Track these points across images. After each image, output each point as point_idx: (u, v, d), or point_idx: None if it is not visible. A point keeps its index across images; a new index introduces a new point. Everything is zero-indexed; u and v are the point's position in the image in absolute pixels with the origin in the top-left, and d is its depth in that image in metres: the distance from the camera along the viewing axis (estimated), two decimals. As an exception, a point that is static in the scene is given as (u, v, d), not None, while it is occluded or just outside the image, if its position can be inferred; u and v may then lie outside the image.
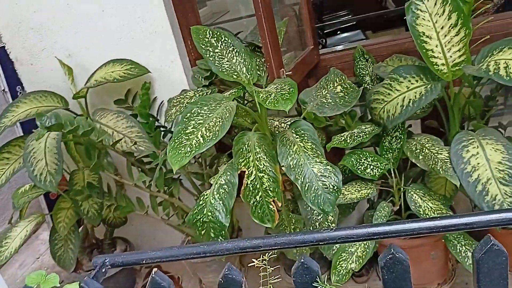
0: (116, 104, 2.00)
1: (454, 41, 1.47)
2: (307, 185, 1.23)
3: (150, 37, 1.89)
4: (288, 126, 1.40)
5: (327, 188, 1.23)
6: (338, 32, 3.99)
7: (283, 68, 1.47)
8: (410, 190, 1.54)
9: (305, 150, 1.28)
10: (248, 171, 1.32)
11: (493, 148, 1.37)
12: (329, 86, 1.56)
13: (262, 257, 0.77)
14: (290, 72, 1.49)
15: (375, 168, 1.58)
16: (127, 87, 1.98)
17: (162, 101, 1.97)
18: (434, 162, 1.43)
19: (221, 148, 1.92)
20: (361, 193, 1.59)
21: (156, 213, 1.85)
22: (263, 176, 1.30)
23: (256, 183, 1.31)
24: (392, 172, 1.62)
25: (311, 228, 1.49)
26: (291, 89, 1.23)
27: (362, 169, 1.57)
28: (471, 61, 1.47)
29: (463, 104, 1.58)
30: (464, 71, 1.41)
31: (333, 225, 1.52)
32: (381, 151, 1.64)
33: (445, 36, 1.47)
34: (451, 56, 1.48)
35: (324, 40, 3.61)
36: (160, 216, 1.90)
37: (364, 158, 1.59)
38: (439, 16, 1.47)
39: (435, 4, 1.47)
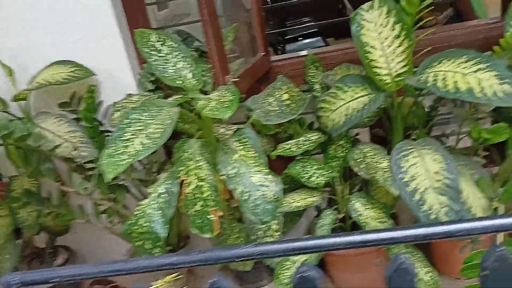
0: (61, 108, 1.92)
1: (398, 52, 1.50)
2: (246, 194, 1.22)
3: (97, 39, 1.83)
4: (232, 134, 1.38)
5: (266, 198, 1.21)
6: (300, 38, 4.02)
7: (229, 75, 1.45)
8: (352, 198, 1.55)
9: (247, 159, 1.26)
10: (188, 180, 1.29)
11: (432, 157, 1.40)
12: (275, 94, 1.55)
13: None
14: (237, 79, 1.47)
15: (320, 176, 1.59)
16: (73, 90, 1.91)
17: (108, 105, 1.90)
18: (375, 171, 1.45)
19: (170, 154, 1.88)
20: (306, 201, 1.59)
21: (98, 221, 1.79)
22: (203, 185, 1.27)
23: (196, 192, 1.28)
24: (338, 180, 1.63)
25: (254, 237, 1.47)
26: (232, 97, 1.21)
27: (307, 177, 1.57)
28: (414, 72, 1.50)
29: (406, 114, 1.61)
30: (405, 82, 1.43)
31: (277, 233, 1.51)
32: (326, 160, 1.65)
33: (389, 46, 1.50)
34: (394, 67, 1.51)
35: (283, 46, 3.64)
36: (106, 224, 1.83)
37: (309, 166, 1.59)
38: (383, 27, 1.49)
39: (380, 15, 1.49)
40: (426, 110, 1.71)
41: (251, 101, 1.52)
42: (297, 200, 1.59)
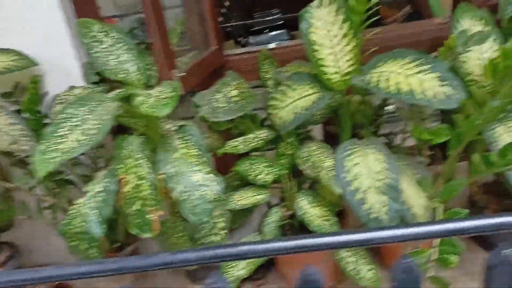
0: (3, 98, 1.83)
1: (346, 51, 1.50)
2: (185, 194, 1.19)
3: (42, 28, 1.75)
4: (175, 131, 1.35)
5: (206, 197, 1.19)
6: (266, 31, 3.99)
7: (174, 69, 1.41)
8: (299, 196, 1.56)
9: (188, 157, 1.24)
10: (127, 178, 1.25)
11: (375, 157, 1.41)
12: (224, 90, 1.52)
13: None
14: (183, 74, 1.43)
15: (268, 174, 1.58)
16: (17, 80, 1.82)
17: (54, 96, 1.83)
18: (319, 169, 1.46)
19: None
20: (254, 199, 1.58)
21: (41, 217, 1.72)
22: (142, 183, 1.24)
23: (135, 191, 1.24)
24: (288, 178, 1.63)
25: (198, 236, 1.45)
26: (172, 93, 1.17)
27: (254, 175, 1.56)
28: (361, 71, 1.50)
29: (354, 112, 1.62)
30: (352, 81, 1.44)
31: (223, 232, 1.50)
32: (276, 157, 1.64)
33: (337, 45, 1.49)
34: (342, 66, 1.51)
35: (246, 38, 3.60)
36: (50, 220, 1.77)
37: (257, 164, 1.58)
38: (332, 25, 1.48)
39: (329, 13, 1.48)
40: (375, 108, 1.73)
41: (198, 97, 1.49)
42: (244, 198, 1.58)
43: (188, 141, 1.28)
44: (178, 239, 1.46)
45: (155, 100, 1.14)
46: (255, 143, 1.50)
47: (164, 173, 1.21)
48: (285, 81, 1.57)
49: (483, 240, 1.94)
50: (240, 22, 3.56)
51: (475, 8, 1.67)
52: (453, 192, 1.34)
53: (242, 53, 1.95)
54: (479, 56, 1.56)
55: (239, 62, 1.90)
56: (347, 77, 1.49)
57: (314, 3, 1.50)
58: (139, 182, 1.25)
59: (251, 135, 1.55)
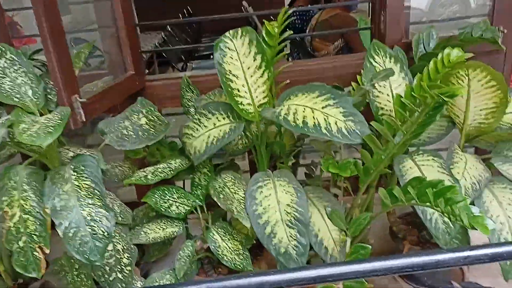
0: None
1: (260, 83, 1.49)
2: (72, 230, 1.10)
3: None
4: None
5: (96, 234, 1.11)
6: (212, 56, 4.00)
7: (76, 94, 1.33)
8: (212, 229, 1.50)
9: (79, 190, 1.15)
10: (12, 212, 1.14)
11: (284, 190, 1.39)
12: (132, 117, 1.46)
13: None
14: (86, 100, 1.35)
15: (181, 205, 1.52)
16: None
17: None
18: (231, 201, 1.41)
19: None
20: (166, 231, 1.51)
21: None
22: (28, 218, 1.14)
23: (20, 227, 1.13)
24: (203, 209, 1.57)
25: (99, 273, 1.35)
26: (59, 121, 1.09)
27: (166, 206, 1.49)
28: (276, 103, 1.50)
29: (271, 143, 1.61)
30: (262, 114, 1.42)
31: (128, 268, 1.40)
32: (192, 188, 1.59)
33: (251, 76, 1.49)
34: (257, 97, 1.50)
35: (185, 64, 3.56)
36: None
37: (170, 194, 1.52)
38: (246, 57, 1.48)
39: (243, 44, 1.48)
40: (294, 139, 1.73)
41: (104, 123, 1.41)
42: (155, 231, 1.50)
43: (82, 172, 1.19)
44: (74, 277, 1.34)
45: (39, 128, 1.06)
46: (164, 174, 1.44)
47: (48, 207, 1.12)
48: (200, 110, 1.53)
49: (411, 275, 1.96)
50: (189, 46, 3.52)
51: (387, 46, 1.74)
52: (359, 226, 1.34)
53: (163, 79, 1.90)
54: (389, 93, 1.61)
55: (159, 88, 1.85)
56: (261, 109, 1.48)
57: (228, 34, 1.49)
58: (25, 216, 1.14)
59: (161, 165, 1.49)
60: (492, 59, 1.94)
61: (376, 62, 1.65)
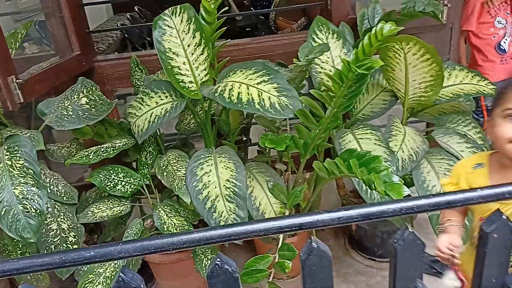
0: None
1: (201, 60, 1.50)
2: (4, 209, 1.12)
3: None
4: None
5: (29, 212, 1.13)
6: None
7: (12, 75, 1.33)
8: (158, 207, 1.53)
9: (12, 170, 1.16)
10: None
11: (225, 166, 1.42)
12: (73, 97, 1.46)
13: None
14: (22, 81, 1.35)
15: (127, 184, 1.54)
16: None
17: None
18: (173, 179, 1.44)
19: None
20: (113, 210, 1.53)
21: None
22: (-39, 198, 1.15)
23: (-48, 207, 1.14)
24: (151, 188, 1.60)
25: (45, 251, 1.38)
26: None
27: (112, 186, 1.52)
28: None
29: (216, 121, 1.63)
30: (200, 91, 1.44)
31: (75, 246, 1.43)
32: (139, 167, 1.61)
33: (192, 54, 1.50)
34: (199, 75, 1.51)
35: (149, 46, 3.51)
36: None
37: (115, 174, 1.54)
38: (186, 34, 1.48)
39: (182, 21, 1.48)
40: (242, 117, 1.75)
41: (44, 104, 1.42)
42: (102, 210, 1.53)
43: (15, 152, 1.20)
44: (19, 256, 1.37)
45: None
46: (107, 153, 1.45)
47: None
48: (143, 89, 1.54)
49: (360, 245, 2.02)
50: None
51: (334, 22, 1.76)
52: (295, 198, 1.38)
53: (113, 59, 1.90)
54: (331, 68, 1.64)
55: (108, 68, 1.84)
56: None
57: (168, 11, 1.49)
58: (-42, 197, 1.15)
59: (106, 145, 1.50)
60: (439, 34, 1.98)
61: (318, 38, 1.67)
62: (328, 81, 1.55)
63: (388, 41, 1.41)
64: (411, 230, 0.59)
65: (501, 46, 2.20)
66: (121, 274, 0.57)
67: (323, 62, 1.65)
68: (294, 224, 0.66)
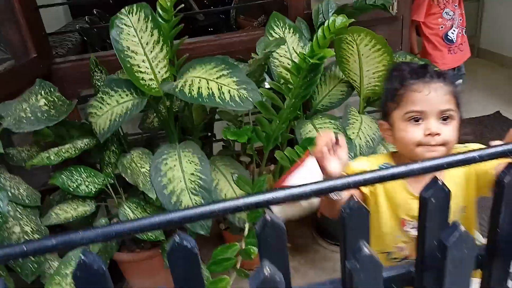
0: None
1: (160, 57, 1.52)
2: (-38, 213, 1.10)
3: None
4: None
5: (-11, 214, 1.11)
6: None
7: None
8: (123, 204, 1.53)
9: (-31, 173, 1.14)
10: None
11: (189, 160, 1.45)
12: (31, 100, 1.45)
13: None
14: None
15: (90, 184, 1.53)
16: None
17: None
18: (137, 176, 1.45)
19: None
20: (78, 211, 1.52)
21: None
22: None
23: None
24: (114, 187, 1.59)
25: None
26: None
27: (75, 186, 1.51)
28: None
29: (180, 117, 1.65)
30: (161, 88, 1.46)
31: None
32: (103, 166, 1.61)
33: (151, 52, 1.51)
34: (159, 72, 1.52)
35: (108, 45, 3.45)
36: None
37: (78, 174, 1.53)
38: (143, 32, 1.50)
39: (139, 20, 1.49)
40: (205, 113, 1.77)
41: (1, 107, 1.39)
42: (66, 211, 1.51)
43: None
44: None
45: None
46: (68, 154, 1.44)
47: None
48: (103, 88, 1.54)
49: (326, 232, 2.08)
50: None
51: (291, 17, 1.81)
52: (260, 187, 1.42)
53: (73, 61, 1.88)
54: (289, 62, 1.69)
55: (67, 70, 1.82)
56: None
57: (124, 10, 1.50)
58: None
59: (67, 145, 1.49)
60: (391, 26, 2.08)
61: (275, 33, 1.72)
62: (286, 74, 1.60)
63: (341, 33, 1.47)
64: (357, 200, 0.64)
65: (448, 37, 2.33)
66: (81, 256, 0.58)
67: (281, 56, 1.70)
68: (250, 203, 0.69)
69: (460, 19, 2.37)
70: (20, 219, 1.39)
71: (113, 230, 0.68)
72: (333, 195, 0.85)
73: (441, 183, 0.66)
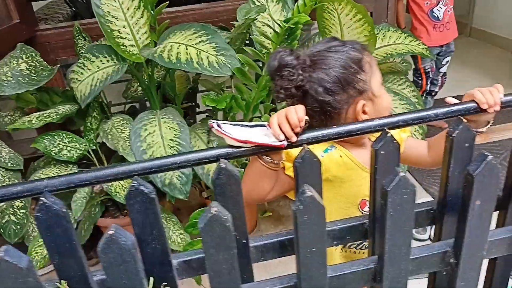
0: None
1: (141, 23, 1.52)
2: None
3: None
4: None
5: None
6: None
7: None
8: (105, 170, 1.56)
9: None
10: None
11: (168, 126, 1.47)
12: (12, 63, 1.45)
13: None
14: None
15: (72, 149, 1.56)
16: None
17: None
18: (117, 141, 1.47)
19: None
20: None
21: None
22: None
23: None
24: (96, 154, 1.62)
25: (-11, 216, 1.39)
26: None
27: (57, 151, 1.53)
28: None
29: (161, 85, 1.66)
30: (141, 53, 1.46)
31: (22, 210, 1.45)
32: (85, 132, 1.62)
33: (132, 17, 1.51)
34: (140, 38, 1.53)
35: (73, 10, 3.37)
36: None
37: (60, 139, 1.55)
38: (124, -3, 1.49)
39: (119, -15, 1.49)
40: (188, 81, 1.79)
41: (-19, 70, 1.40)
42: (48, 176, 1.54)
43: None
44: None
45: None
46: (49, 118, 1.46)
47: None
48: (85, 54, 1.55)
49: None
50: None
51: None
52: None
53: (57, 28, 1.87)
54: (271, 31, 1.69)
55: (51, 37, 1.82)
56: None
57: (104, -26, 1.49)
58: None
59: (49, 110, 1.51)
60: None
61: (259, 1, 1.71)
62: (267, 42, 1.60)
63: (321, 1, 1.47)
64: (307, 148, 0.67)
65: (433, 13, 2.32)
66: (41, 198, 0.61)
67: (263, 25, 1.69)
68: (211, 155, 0.72)
69: (448, -3, 2.36)
70: (2, 182, 1.42)
71: (76, 178, 0.71)
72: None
73: (390, 136, 0.69)
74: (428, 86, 2.54)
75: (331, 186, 0.89)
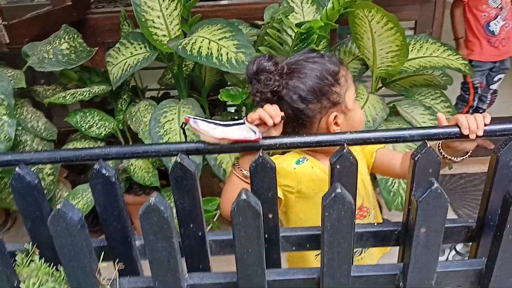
0: None
1: (174, 15, 1.59)
2: (-23, 133, 1.27)
3: None
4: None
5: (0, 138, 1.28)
6: None
7: (-1, 19, 1.46)
8: (127, 150, 1.66)
9: (-12, 100, 1.31)
10: None
11: (187, 114, 1.53)
12: (55, 43, 1.59)
13: None
14: (8, 23, 1.48)
15: (101, 127, 1.67)
16: None
17: None
18: (139, 124, 1.56)
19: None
20: (88, 149, 1.67)
21: None
22: None
23: None
24: (124, 134, 1.73)
25: None
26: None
27: (87, 127, 1.65)
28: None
29: (189, 75, 1.73)
30: (168, 44, 1.53)
31: (51, 177, 1.58)
32: (115, 112, 1.74)
33: (167, 9, 1.58)
34: (172, 29, 1.60)
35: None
36: None
37: (91, 116, 1.67)
38: (160, -11, 1.57)
39: (157, -24, 1.57)
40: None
41: (28, 47, 1.55)
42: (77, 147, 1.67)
43: (-7, 86, 1.34)
44: (-3, 181, 1.53)
45: None
46: (82, 96, 1.58)
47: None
48: (121, 40, 1.65)
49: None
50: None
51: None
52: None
53: (105, 12, 2.00)
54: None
55: (99, 20, 1.95)
56: (175, 40, 1.59)
57: (144, -34, 1.57)
58: None
59: (84, 89, 1.63)
60: (422, 7, 1.99)
61: (293, 2, 1.72)
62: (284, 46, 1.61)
63: (349, 7, 1.45)
64: (262, 154, 0.69)
65: (489, 27, 2.17)
66: (16, 169, 0.69)
67: (287, 28, 1.70)
68: (175, 149, 0.76)
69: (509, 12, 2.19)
70: (36, 149, 1.57)
71: (57, 155, 0.79)
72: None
73: (347, 151, 0.69)
74: (476, 102, 2.39)
75: (305, 197, 0.90)
